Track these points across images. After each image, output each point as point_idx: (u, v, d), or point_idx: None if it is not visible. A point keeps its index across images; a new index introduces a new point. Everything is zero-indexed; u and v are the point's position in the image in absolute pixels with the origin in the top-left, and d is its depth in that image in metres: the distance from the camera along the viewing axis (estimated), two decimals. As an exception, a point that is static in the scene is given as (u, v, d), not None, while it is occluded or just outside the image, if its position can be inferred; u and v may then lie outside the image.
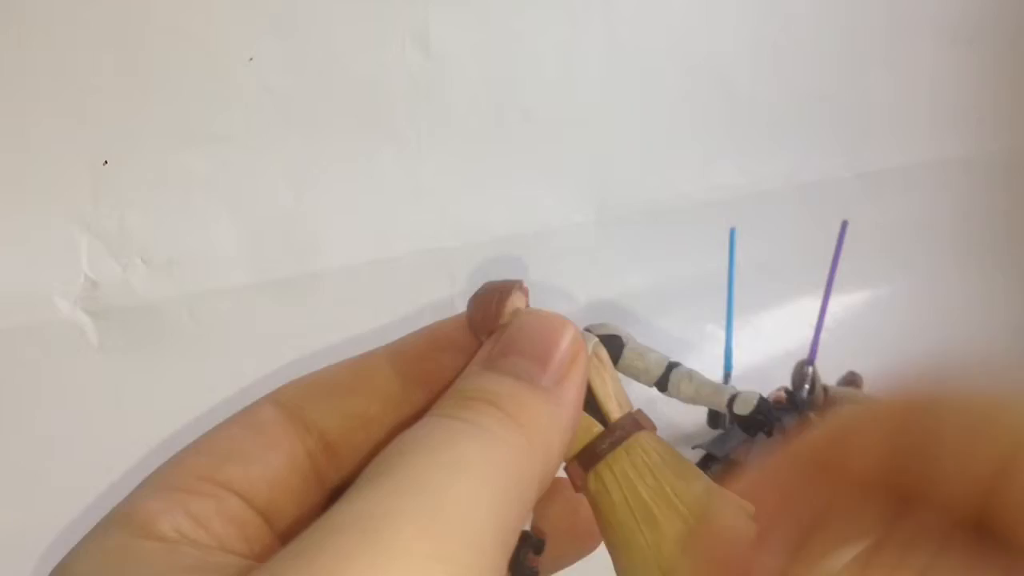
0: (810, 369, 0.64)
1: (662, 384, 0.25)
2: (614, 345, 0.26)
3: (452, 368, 0.22)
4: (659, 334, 0.73)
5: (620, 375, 0.25)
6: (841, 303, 0.70)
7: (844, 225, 0.63)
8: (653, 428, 0.23)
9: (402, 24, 0.59)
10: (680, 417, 0.67)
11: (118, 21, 0.51)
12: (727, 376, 0.64)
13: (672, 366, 0.26)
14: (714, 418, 0.65)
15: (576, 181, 0.69)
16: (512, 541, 0.18)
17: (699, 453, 0.59)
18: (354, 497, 0.16)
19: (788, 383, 0.66)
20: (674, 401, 0.68)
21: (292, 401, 0.22)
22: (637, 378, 0.25)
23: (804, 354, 0.64)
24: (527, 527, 0.22)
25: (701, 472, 0.22)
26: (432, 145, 0.61)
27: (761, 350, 0.73)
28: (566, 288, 0.70)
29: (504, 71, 0.64)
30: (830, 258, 0.63)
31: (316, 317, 0.58)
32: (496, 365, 0.21)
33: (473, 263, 0.64)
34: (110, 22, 0.51)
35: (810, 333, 0.65)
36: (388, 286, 0.61)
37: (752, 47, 0.74)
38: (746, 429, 0.25)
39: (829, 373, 0.64)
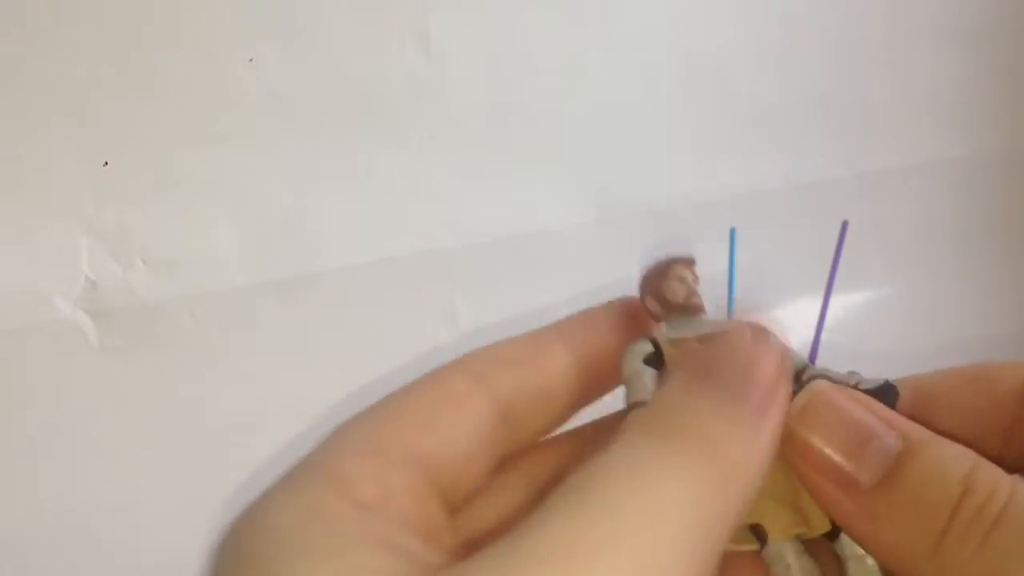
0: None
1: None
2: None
3: (620, 351, 0.23)
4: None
5: None
6: (841, 303, 0.70)
7: (844, 225, 0.63)
8: None
9: (402, 24, 0.59)
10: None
11: (118, 21, 0.51)
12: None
13: (815, 373, 0.26)
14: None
15: (576, 181, 0.69)
16: (707, 573, 0.17)
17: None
18: (550, 520, 0.16)
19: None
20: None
21: (479, 370, 0.21)
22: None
23: (804, 354, 0.64)
24: None
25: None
26: (432, 145, 0.61)
27: (761, 350, 0.73)
28: (566, 288, 0.70)
29: (504, 71, 0.64)
30: (830, 258, 0.63)
31: (316, 317, 0.58)
32: (700, 387, 0.20)
33: (473, 263, 0.64)
34: (110, 22, 0.51)
35: (810, 333, 0.65)
36: (388, 286, 0.61)
37: (752, 47, 0.74)
38: None
39: (829, 373, 0.64)
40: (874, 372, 0.22)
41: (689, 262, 0.26)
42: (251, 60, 0.55)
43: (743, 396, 0.20)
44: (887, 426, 0.20)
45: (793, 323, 0.77)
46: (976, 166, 0.88)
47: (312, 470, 0.18)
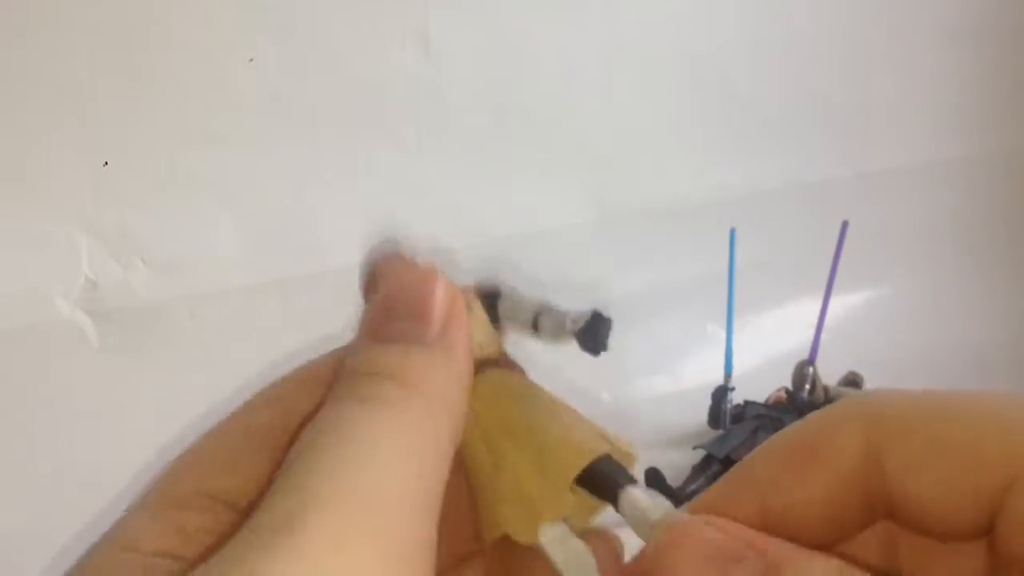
0: (810, 369, 0.64)
1: (536, 329, 0.24)
2: (490, 295, 0.26)
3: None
4: (659, 334, 0.73)
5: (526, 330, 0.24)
6: (841, 303, 0.70)
7: (844, 225, 0.63)
8: (514, 369, 0.23)
9: (402, 24, 0.59)
10: (680, 417, 0.67)
11: (118, 22, 0.51)
12: (727, 377, 0.64)
13: (543, 311, 0.25)
14: (714, 418, 0.65)
15: (576, 181, 0.69)
16: (436, 502, 0.18)
17: (700, 453, 0.59)
18: (274, 491, 0.17)
19: (789, 383, 0.66)
20: (679, 401, 0.68)
21: (288, 403, 0.22)
22: (517, 327, 0.25)
23: (804, 354, 0.64)
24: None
25: (557, 407, 0.22)
26: (432, 145, 0.61)
27: (761, 350, 0.73)
28: (566, 288, 0.70)
29: (504, 71, 0.64)
30: (830, 258, 0.63)
31: (316, 317, 0.58)
32: (379, 334, 0.21)
33: (473, 263, 0.64)
34: (110, 23, 0.51)
35: (810, 333, 0.65)
36: (388, 286, 0.61)
37: (752, 47, 0.74)
38: (584, 345, 0.24)
39: (829, 373, 0.64)
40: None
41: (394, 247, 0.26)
42: (251, 60, 0.55)
43: (422, 323, 0.21)
44: (745, 549, 0.19)
45: (793, 323, 0.77)
46: (976, 166, 0.88)
47: (106, 535, 0.19)
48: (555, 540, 0.21)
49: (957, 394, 0.19)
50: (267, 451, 0.20)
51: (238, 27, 0.54)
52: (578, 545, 0.21)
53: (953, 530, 0.18)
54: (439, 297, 0.21)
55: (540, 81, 0.65)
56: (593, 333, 0.22)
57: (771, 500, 0.20)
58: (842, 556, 0.20)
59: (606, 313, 0.22)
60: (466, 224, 0.64)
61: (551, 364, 0.24)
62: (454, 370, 0.21)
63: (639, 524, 0.20)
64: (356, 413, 0.19)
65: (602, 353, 0.22)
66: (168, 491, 0.20)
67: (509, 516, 0.21)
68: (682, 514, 0.20)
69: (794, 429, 0.20)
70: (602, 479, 0.21)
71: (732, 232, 0.63)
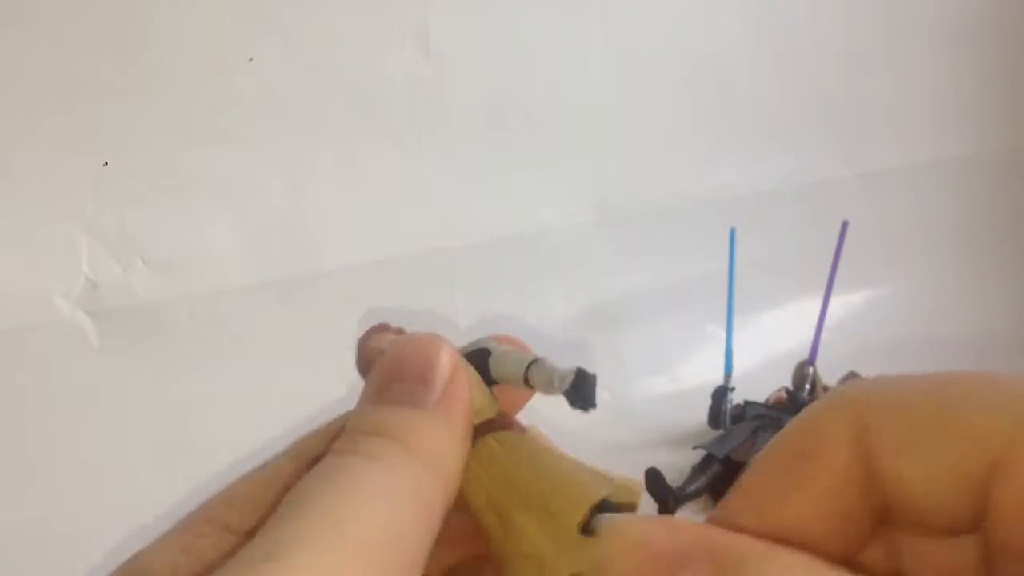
0: (811, 369, 0.64)
1: (529, 384, 0.25)
2: (480, 357, 0.26)
3: None
4: (659, 334, 0.73)
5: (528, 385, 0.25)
6: (841, 303, 0.70)
7: (844, 225, 0.63)
8: (513, 428, 0.24)
9: (402, 24, 0.59)
10: (680, 417, 0.67)
11: (118, 22, 0.51)
12: (727, 377, 0.64)
13: (532, 364, 0.25)
14: (714, 418, 0.65)
15: (576, 181, 0.69)
16: (420, 557, 0.19)
17: (700, 453, 0.59)
18: (266, 527, 0.18)
19: (789, 383, 0.66)
20: (678, 401, 0.68)
21: (311, 453, 0.23)
22: (511, 384, 0.25)
23: (804, 354, 0.65)
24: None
25: (556, 460, 0.22)
26: (432, 145, 0.61)
27: (761, 350, 0.73)
28: (566, 288, 0.70)
29: (504, 71, 0.64)
30: (830, 258, 0.63)
31: (316, 317, 0.58)
32: (382, 396, 0.22)
33: (473, 263, 0.64)
34: (110, 23, 0.51)
35: (810, 333, 0.65)
36: (388, 286, 0.61)
37: (752, 47, 0.74)
38: (573, 404, 0.24)
39: (829, 373, 0.64)
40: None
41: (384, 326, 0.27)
42: (251, 60, 0.55)
43: (423, 386, 0.22)
44: (695, 550, 0.18)
45: (793, 323, 0.77)
46: (976, 166, 0.88)
47: (121, 566, 0.20)
48: None
49: (940, 375, 0.19)
50: (281, 488, 0.21)
51: (238, 27, 0.54)
52: None
53: (946, 519, 0.18)
54: (443, 362, 0.22)
55: (540, 81, 0.65)
56: (579, 392, 0.23)
57: (773, 513, 0.19)
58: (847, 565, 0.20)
59: (590, 371, 0.23)
60: (466, 224, 0.64)
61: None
62: (452, 434, 0.21)
63: None
64: (351, 465, 0.19)
65: (593, 409, 0.23)
66: (182, 524, 0.21)
67: (523, 568, 0.21)
68: (633, 520, 0.19)
69: (784, 435, 0.20)
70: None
71: (732, 232, 0.63)
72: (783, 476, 0.19)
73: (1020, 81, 0.88)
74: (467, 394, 0.22)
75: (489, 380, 0.24)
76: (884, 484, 0.18)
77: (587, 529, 0.21)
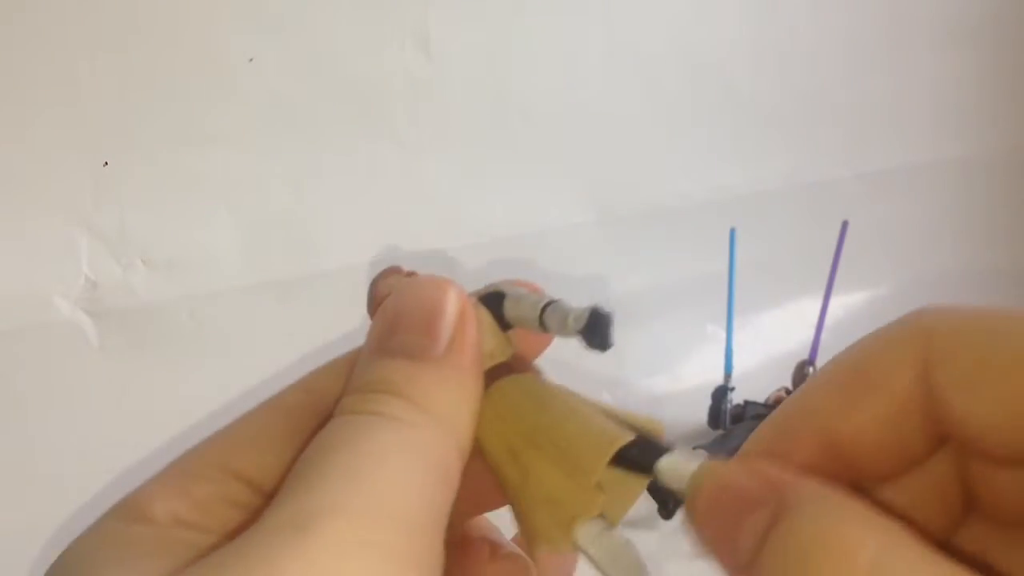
0: (811, 369, 0.64)
1: (543, 327, 0.23)
2: (495, 300, 0.25)
3: None
4: (659, 334, 0.73)
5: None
6: (841, 303, 0.70)
7: (844, 225, 0.63)
8: (528, 371, 0.23)
9: (402, 24, 0.59)
10: (680, 417, 0.67)
11: (118, 21, 0.51)
12: (727, 377, 0.64)
13: (548, 305, 0.24)
14: (714, 418, 0.65)
15: (576, 181, 0.69)
16: (442, 520, 0.18)
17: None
18: (285, 495, 0.17)
19: (789, 383, 0.66)
20: (678, 401, 0.68)
21: (321, 387, 0.22)
22: (526, 327, 0.24)
23: (804, 354, 0.65)
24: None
25: (575, 403, 0.21)
26: (432, 145, 0.61)
27: (761, 350, 0.73)
28: (566, 288, 0.70)
29: (504, 71, 0.64)
30: (830, 258, 0.63)
31: (316, 317, 0.58)
32: (386, 348, 0.21)
33: (473, 263, 0.64)
34: (110, 22, 0.51)
35: (810, 333, 0.65)
36: (388, 286, 0.61)
37: (752, 47, 0.74)
38: (590, 344, 0.23)
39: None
40: None
41: (396, 268, 0.25)
42: (251, 60, 0.55)
43: (430, 337, 0.20)
44: (767, 492, 0.17)
45: (793, 323, 0.77)
46: (976, 166, 0.88)
47: (115, 505, 0.20)
48: (592, 539, 0.20)
49: (1013, 311, 0.18)
50: (293, 433, 0.20)
51: (238, 27, 0.54)
52: (617, 540, 0.20)
53: (1010, 454, 0.17)
54: (449, 310, 0.21)
55: (540, 81, 0.65)
56: (595, 331, 0.22)
57: (829, 430, 0.19)
58: (881, 503, 0.19)
59: (605, 309, 0.22)
60: (466, 224, 0.64)
61: (551, 366, 0.24)
62: (462, 387, 0.21)
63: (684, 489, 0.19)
64: (365, 428, 0.19)
65: (609, 348, 0.22)
66: (182, 463, 0.20)
67: (543, 524, 0.21)
68: (712, 461, 0.19)
69: (846, 354, 0.20)
70: (631, 465, 0.20)
71: (732, 232, 0.63)
72: (844, 392, 0.19)
73: (1020, 81, 0.88)
74: (476, 341, 0.21)
75: (504, 324, 0.23)
76: (946, 415, 0.18)
77: (612, 471, 0.20)
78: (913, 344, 0.18)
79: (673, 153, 0.73)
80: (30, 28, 0.49)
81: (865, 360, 0.19)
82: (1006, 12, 0.85)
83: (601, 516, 0.20)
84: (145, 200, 0.53)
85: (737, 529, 0.17)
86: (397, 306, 0.21)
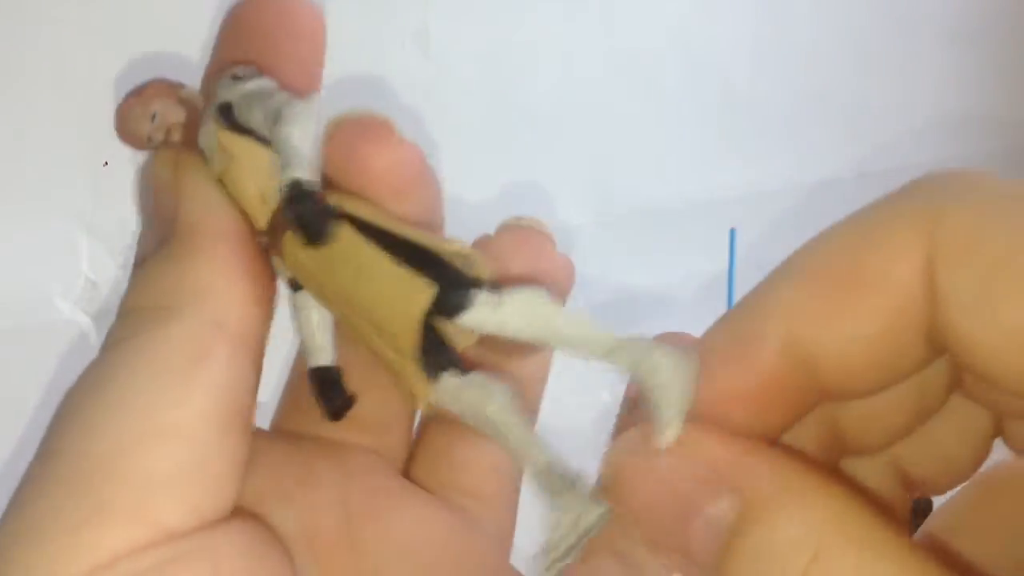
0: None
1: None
2: (227, 114, 0.19)
3: None
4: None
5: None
6: (841, 303, 0.70)
7: (844, 225, 0.63)
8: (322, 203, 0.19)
9: (402, 24, 0.59)
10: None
11: (119, 21, 0.51)
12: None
13: (282, 108, 0.19)
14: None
15: (576, 181, 0.69)
16: (230, 425, 0.18)
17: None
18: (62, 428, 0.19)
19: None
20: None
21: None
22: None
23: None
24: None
25: (376, 257, 0.19)
26: (432, 145, 0.61)
27: (761, 350, 0.73)
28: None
29: (504, 71, 0.64)
30: (830, 258, 0.63)
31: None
32: (138, 253, 0.20)
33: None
34: (110, 22, 0.51)
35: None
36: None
37: (752, 47, 0.74)
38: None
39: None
40: None
41: (169, 88, 0.22)
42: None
43: (164, 229, 0.19)
44: (720, 481, 0.14)
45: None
46: (976, 166, 0.88)
47: None
48: (448, 396, 0.18)
49: None
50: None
51: (238, 27, 0.54)
52: (473, 392, 0.18)
53: (1016, 386, 0.14)
54: (159, 186, 0.19)
55: (540, 81, 0.65)
56: (293, 210, 0.18)
57: (804, 340, 0.15)
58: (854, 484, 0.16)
59: (309, 187, 0.18)
60: (466, 224, 0.64)
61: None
62: (214, 269, 0.19)
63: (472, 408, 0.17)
64: (140, 350, 0.18)
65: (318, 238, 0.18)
66: None
67: (402, 387, 0.19)
68: (628, 439, 0.15)
69: (836, 245, 0.16)
70: (448, 314, 0.17)
71: (732, 232, 0.63)
72: (827, 293, 0.15)
73: (1020, 82, 0.88)
74: (195, 208, 0.19)
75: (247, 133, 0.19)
76: (948, 332, 0.14)
77: (434, 331, 0.17)
78: (917, 232, 0.15)
79: (673, 153, 0.73)
80: (30, 27, 0.49)
81: (855, 250, 0.16)
82: (1006, 12, 0.85)
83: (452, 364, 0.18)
84: (145, 200, 0.53)
85: (686, 527, 0.14)
86: (147, 192, 0.20)
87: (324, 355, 0.22)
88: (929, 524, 0.20)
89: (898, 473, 0.18)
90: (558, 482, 0.16)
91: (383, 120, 0.20)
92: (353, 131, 0.19)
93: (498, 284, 0.18)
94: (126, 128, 0.20)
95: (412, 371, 0.18)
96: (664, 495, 0.15)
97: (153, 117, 0.20)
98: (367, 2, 0.57)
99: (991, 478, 0.19)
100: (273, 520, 0.19)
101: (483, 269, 0.18)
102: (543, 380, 0.24)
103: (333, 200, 0.19)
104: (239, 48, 0.19)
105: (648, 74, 0.70)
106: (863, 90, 0.81)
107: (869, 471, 0.18)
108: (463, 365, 0.18)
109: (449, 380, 0.18)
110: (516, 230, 0.23)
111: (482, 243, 0.23)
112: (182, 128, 0.20)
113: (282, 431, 0.22)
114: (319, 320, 0.21)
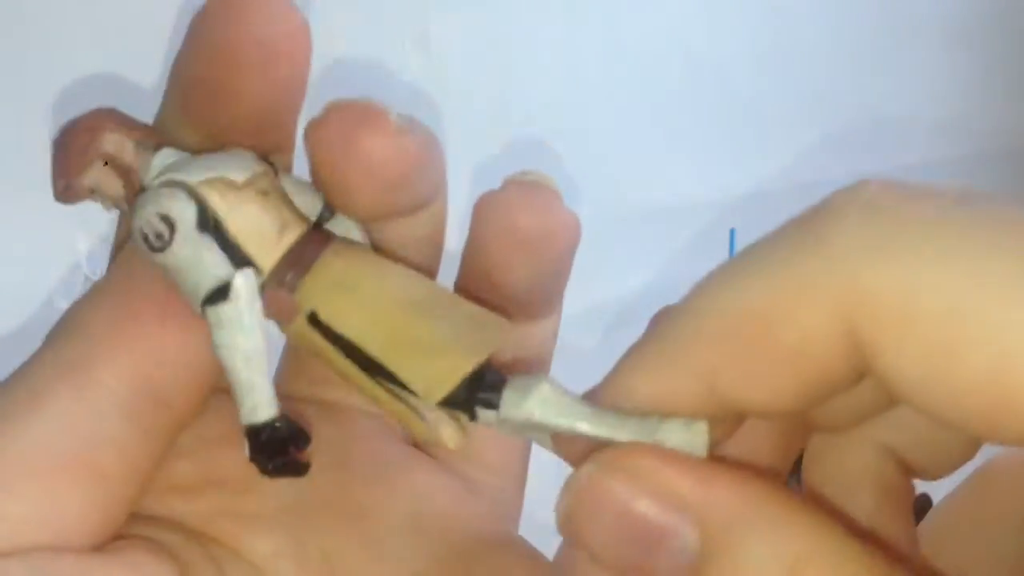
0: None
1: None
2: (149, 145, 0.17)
3: None
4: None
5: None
6: (841, 303, 0.70)
7: (844, 225, 0.63)
8: (328, 248, 0.20)
9: (402, 24, 0.59)
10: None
11: (119, 20, 0.51)
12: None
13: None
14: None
15: (576, 181, 0.69)
16: (110, 441, 0.19)
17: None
18: None
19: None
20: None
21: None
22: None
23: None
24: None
25: (412, 308, 0.19)
26: (432, 145, 0.61)
27: (761, 350, 0.73)
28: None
29: (504, 72, 0.64)
30: (830, 258, 0.63)
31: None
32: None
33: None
34: (110, 22, 0.51)
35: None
36: (388, 286, 0.61)
37: (752, 47, 0.74)
38: None
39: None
40: None
41: (116, 123, 0.21)
42: (251, 60, 0.55)
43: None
44: (681, 514, 0.14)
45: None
46: (976, 166, 0.88)
47: None
48: (493, 425, 0.18)
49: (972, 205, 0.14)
50: None
51: (238, 27, 0.54)
52: (513, 412, 0.18)
53: (951, 422, 0.14)
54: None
55: (540, 82, 0.65)
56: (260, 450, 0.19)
57: (719, 388, 0.15)
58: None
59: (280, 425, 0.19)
60: (466, 225, 0.64)
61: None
62: (114, 307, 0.20)
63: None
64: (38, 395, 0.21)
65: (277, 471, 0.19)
66: None
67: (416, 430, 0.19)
68: (592, 464, 0.15)
69: (742, 287, 0.16)
70: (460, 404, 0.18)
71: (732, 232, 0.63)
72: (737, 344, 0.15)
73: (1020, 82, 0.88)
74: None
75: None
76: (894, 394, 0.14)
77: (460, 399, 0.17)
78: (833, 291, 0.14)
79: (673, 153, 0.73)
80: (30, 26, 0.49)
81: (764, 308, 0.15)
82: (1006, 12, 0.85)
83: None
84: (145, 200, 0.53)
85: (648, 559, 0.14)
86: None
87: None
88: (928, 523, 0.20)
89: (894, 458, 0.18)
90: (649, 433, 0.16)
91: (378, 108, 0.20)
92: (347, 119, 0.19)
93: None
94: (65, 173, 0.19)
95: (437, 416, 0.18)
96: (624, 529, 0.14)
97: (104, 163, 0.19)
98: (367, 2, 0.57)
99: (986, 473, 0.19)
100: (270, 486, 0.19)
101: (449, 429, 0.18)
102: (553, 338, 0.25)
103: (310, 300, 0.19)
104: (201, 68, 0.19)
105: (648, 74, 0.70)
106: (863, 90, 0.81)
107: (866, 457, 0.18)
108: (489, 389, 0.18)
109: (487, 414, 0.18)
110: (523, 184, 0.22)
111: (488, 197, 0.23)
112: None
113: (282, 395, 0.22)
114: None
